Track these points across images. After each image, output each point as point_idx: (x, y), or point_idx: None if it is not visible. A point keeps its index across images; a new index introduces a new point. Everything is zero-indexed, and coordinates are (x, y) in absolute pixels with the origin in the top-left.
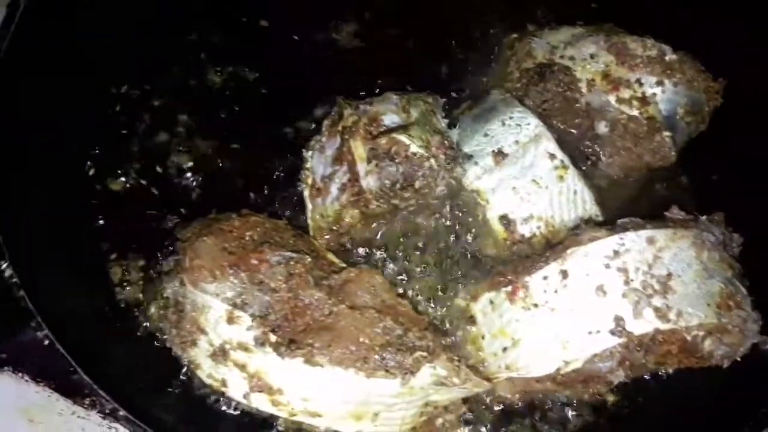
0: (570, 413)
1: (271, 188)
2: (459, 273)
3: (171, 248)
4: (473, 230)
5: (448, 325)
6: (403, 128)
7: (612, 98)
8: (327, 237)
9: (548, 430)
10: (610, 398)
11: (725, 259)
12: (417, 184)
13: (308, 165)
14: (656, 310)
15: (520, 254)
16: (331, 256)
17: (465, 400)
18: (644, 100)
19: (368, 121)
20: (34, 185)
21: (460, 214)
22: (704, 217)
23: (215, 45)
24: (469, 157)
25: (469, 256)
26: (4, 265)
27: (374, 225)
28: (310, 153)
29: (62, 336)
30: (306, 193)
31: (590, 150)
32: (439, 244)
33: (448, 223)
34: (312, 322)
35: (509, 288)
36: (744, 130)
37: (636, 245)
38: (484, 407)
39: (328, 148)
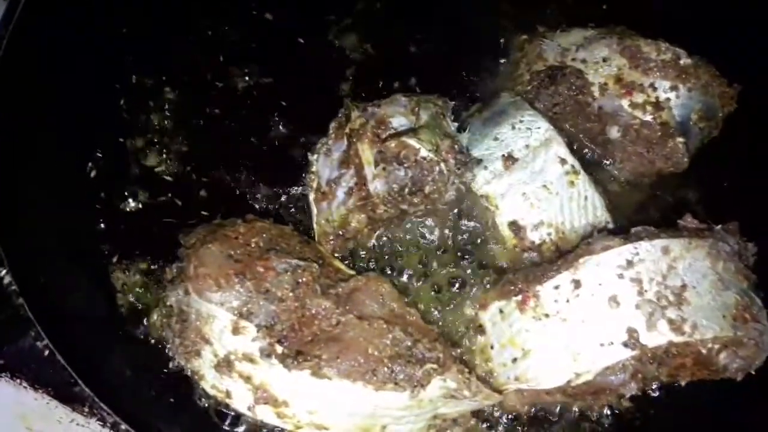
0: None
1: (276, 193)
2: (468, 281)
3: (174, 254)
4: (482, 237)
5: (457, 335)
6: (412, 131)
7: (625, 103)
8: (333, 242)
9: None
10: (621, 408)
11: (740, 270)
12: (426, 189)
13: (314, 169)
14: (670, 322)
15: (529, 261)
16: (338, 263)
17: (474, 413)
18: (658, 105)
19: (376, 124)
20: (33, 190)
21: (469, 220)
22: (719, 227)
23: (222, 46)
24: (479, 161)
25: (478, 263)
26: (3, 272)
27: (382, 230)
28: (315, 156)
29: (62, 345)
30: (311, 197)
31: (601, 155)
32: (448, 250)
33: (457, 228)
34: (319, 332)
35: (519, 297)
36: (755, 136)
37: (650, 255)
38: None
39: (335, 151)
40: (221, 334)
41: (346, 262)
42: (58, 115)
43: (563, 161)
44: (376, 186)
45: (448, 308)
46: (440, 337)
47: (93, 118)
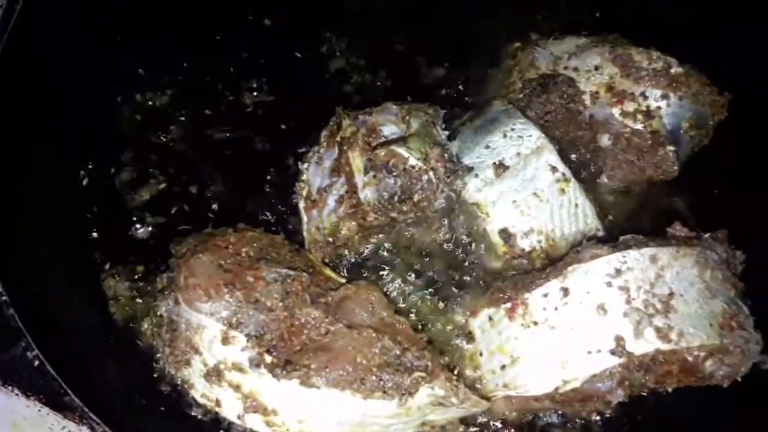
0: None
1: (267, 201)
2: (458, 288)
3: (165, 263)
4: (473, 244)
5: (446, 343)
6: (402, 140)
7: (616, 111)
8: (323, 250)
9: None
10: (608, 414)
11: (728, 278)
12: (415, 198)
13: (304, 177)
14: (657, 330)
15: (519, 269)
16: (328, 272)
17: (462, 420)
18: (649, 114)
19: (367, 132)
20: (24, 202)
21: (460, 228)
22: (707, 235)
23: (217, 56)
24: (470, 169)
25: (468, 270)
26: None
27: (372, 238)
28: (306, 165)
29: (53, 355)
30: (301, 205)
31: (592, 163)
32: (438, 258)
33: (447, 236)
34: (308, 341)
35: (509, 305)
36: (746, 144)
37: (638, 264)
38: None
39: (326, 159)
40: (211, 343)
41: (337, 270)
42: (52, 127)
43: (554, 169)
44: (367, 194)
45: (438, 316)
46: (429, 346)
47: (86, 128)
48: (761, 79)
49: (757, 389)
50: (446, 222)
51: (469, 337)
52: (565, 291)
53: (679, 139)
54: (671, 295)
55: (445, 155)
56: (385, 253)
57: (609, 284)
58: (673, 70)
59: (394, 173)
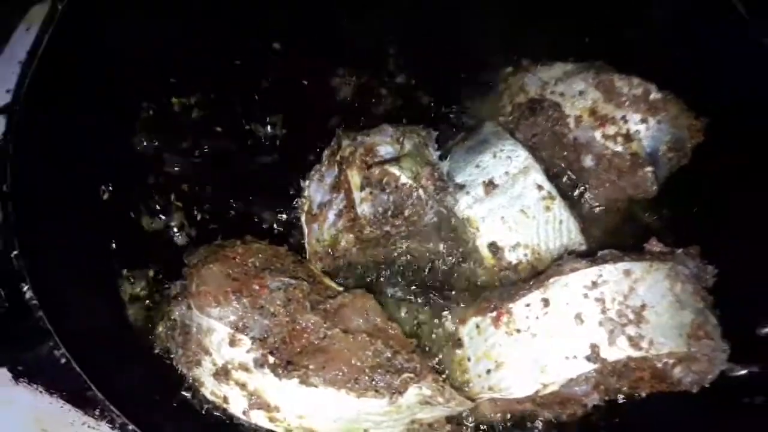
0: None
1: (273, 216)
2: (448, 298)
3: (178, 273)
4: (463, 256)
5: (435, 348)
6: (395, 160)
7: (598, 134)
8: (323, 260)
9: None
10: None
11: (698, 291)
12: (406, 212)
13: (306, 193)
14: (629, 338)
15: (506, 280)
16: (327, 281)
17: (448, 419)
18: (628, 137)
19: (365, 152)
20: (51, 217)
21: (452, 241)
22: (680, 250)
23: (233, 80)
24: (462, 186)
25: (458, 281)
26: (26, 288)
27: (368, 250)
28: (307, 182)
29: (77, 354)
30: (303, 218)
31: (576, 182)
32: (431, 269)
33: (439, 249)
34: (308, 344)
35: (494, 313)
36: (722, 166)
37: (613, 277)
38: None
39: (327, 176)
40: (220, 345)
41: (336, 279)
42: (78, 148)
43: (540, 187)
44: (363, 209)
45: (429, 323)
46: (418, 349)
47: (107, 148)
48: (736, 104)
49: (724, 395)
50: (438, 236)
51: (458, 343)
52: (546, 301)
53: (658, 161)
54: (643, 306)
55: (435, 174)
56: (381, 265)
57: (586, 296)
58: (652, 96)
59: (387, 190)
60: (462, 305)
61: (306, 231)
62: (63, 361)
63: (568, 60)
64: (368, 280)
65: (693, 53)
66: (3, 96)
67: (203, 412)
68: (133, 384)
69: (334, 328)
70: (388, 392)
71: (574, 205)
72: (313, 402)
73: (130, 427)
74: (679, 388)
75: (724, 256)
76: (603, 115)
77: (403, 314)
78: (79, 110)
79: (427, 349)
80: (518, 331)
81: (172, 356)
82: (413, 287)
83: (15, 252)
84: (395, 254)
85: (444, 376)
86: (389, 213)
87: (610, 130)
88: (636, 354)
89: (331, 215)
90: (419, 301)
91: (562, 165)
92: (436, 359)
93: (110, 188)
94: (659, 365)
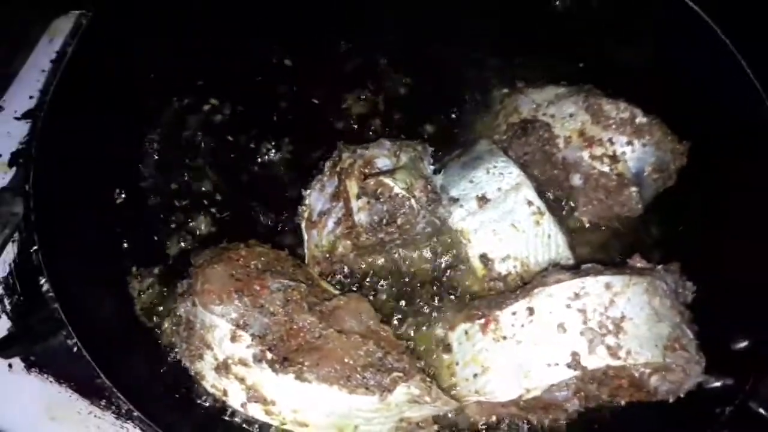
0: None
1: (275, 222)
2: (440, 304)
3: (185, 272)
4: (455, 266)
5: (425, 351)
6: (391, 172)
7: (585, 154)
8: (321, 265)
9: None
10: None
11: (675, 306)
12: (399, 221)
13: (306, 202)
14: (608, 347)
15: (495, 290)
16: (325, 284)
17: (435, 419)
18: (614, 158)
19: (363, 164)
20: (69, 216)
21: (445, 251)
22: (660, 267)
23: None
24: (456, 200)
25: (449, 289)
26: (43, 281)
27: (365, 256)
28: (309, 192)
29: (88, 344)
30: (303, 225)
31: (565, 199)
32: (423, 276)
33: (431, 258)
34: (304, 343)
35: (482, 321)
36: (707, 186)
37: (595, 289)
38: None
39: (328, 186)
40: (221, 341)
41: (333, 282)
42: (94, 152)
43: (530, 203)
44: (360, 217)
45: (420, 328)
46: (407, 351)
47: (120, 154)
48: (719, 129)
49: (699, 406)
50: (431, 245)
51: (447, 348)
52: (531, 310)
53: (643, 182)
54: (623, 318)
55: (429, 186)
56: (377, 270)
57: (569, 306)
58: (638, 120)
59: (381, 199)
60: (452, 312)
61: (306, 237)
62: (75, 350)
63: (560, 83)
64: (364, 284)
65: (677, 79)
66: (27, 102)
67: (204, 403)
68: (138, 375)
69: (329, 328)
70: (378, 390)
71: (562, 220)
72: (307, 397)
73: (135, 413)
74: (657, 398)
75: (705, 273)
76: (591, 137)
77: (395, 318)
78: (98, 118)
79: (416, 352)
80: (504, 337)
81: (176, 350)
82: (406, 293)
83: (35, 247)
84: (390, 260)
85: (431, 376)
86: (384, 221)
87: (598, 151)
88: (614, 363)
89: (330, 223)
90: (411, 306)
91: (552, 183)
92: (425, 362)
93: (124, 189)
94: (636, 374)
